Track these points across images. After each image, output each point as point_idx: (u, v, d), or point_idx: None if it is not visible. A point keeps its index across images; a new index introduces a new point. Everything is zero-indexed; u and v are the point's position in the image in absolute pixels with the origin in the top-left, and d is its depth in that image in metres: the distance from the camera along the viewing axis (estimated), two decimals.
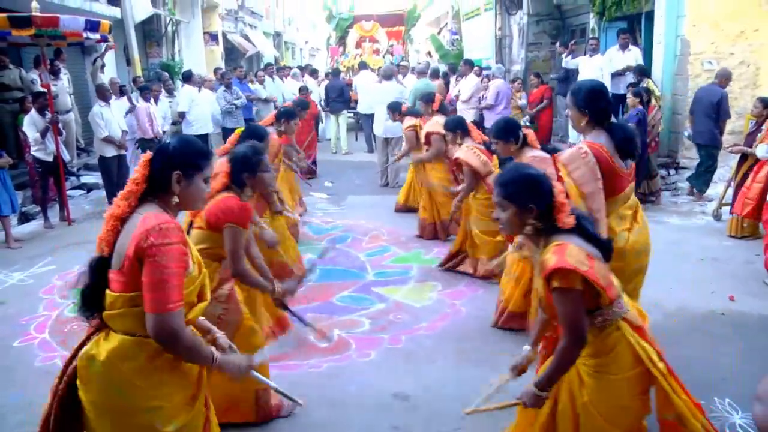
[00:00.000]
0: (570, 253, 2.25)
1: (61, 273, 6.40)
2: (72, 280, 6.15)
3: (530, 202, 2.35)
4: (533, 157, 4.36)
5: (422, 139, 7.40)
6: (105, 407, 2.13)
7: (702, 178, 8.50)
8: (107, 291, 2.12)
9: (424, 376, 4.14)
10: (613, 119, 3.44)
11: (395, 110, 8.68)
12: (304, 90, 11.78)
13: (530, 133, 4.62)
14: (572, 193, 3.15)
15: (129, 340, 2.10)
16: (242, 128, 4.54)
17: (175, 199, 2.21)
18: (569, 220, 2.36)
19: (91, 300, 2.17)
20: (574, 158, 3.29)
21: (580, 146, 3.32)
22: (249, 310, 3.60)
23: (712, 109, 8.10)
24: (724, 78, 8.23)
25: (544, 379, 2.41)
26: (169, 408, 2.14)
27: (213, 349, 2.27)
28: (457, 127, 5.88)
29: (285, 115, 6.61)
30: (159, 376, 2.12)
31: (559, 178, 3.22)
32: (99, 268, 2.17)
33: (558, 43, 12.34)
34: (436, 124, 6.97)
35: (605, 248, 2.41)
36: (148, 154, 2.24)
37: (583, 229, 2.39)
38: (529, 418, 2.67)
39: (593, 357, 2.39)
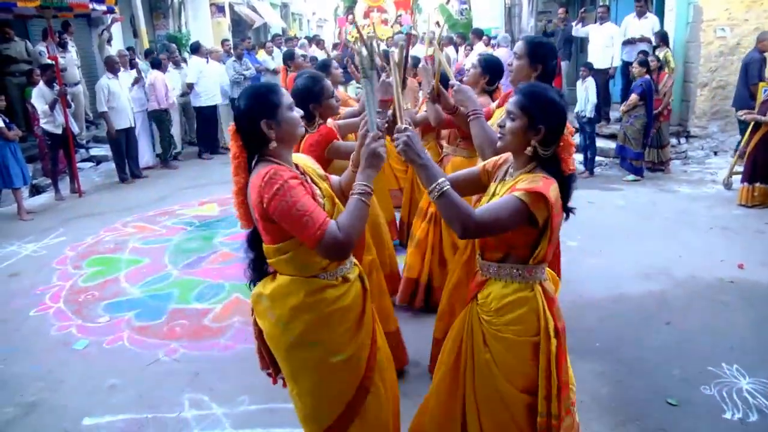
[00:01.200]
0: (553, 189, 2.16)
1: (73, 244, 6.46)
2: (83, 250, 6.23)
3: (542, 123, 2.22)
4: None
5: None
6: (276, 339, 2.29)
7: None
8: (263, 244, 2.29)
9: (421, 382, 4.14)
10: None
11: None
12: (313, 60, 11.68)
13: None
14: None
15: (288, 279, 2.25)
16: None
17: (275, 144, 2.22)
18: (570, 166, 2.27)
19: (258, 269, 2.36)
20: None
21: None
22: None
23: (744, 73, 8.02)
24: (761, 41, 8.05)
25: (439, 176, 2.16)
26: (331, 341, 2.27)
27: (360, 191, 2.18)
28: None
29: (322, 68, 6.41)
30: (319, 312, 2.24)
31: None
32: (253, 241, 2.35)
33: (544, 22, 12.22)
34: None
35: (566, 214, 2.33)
36: (232, 126, 2.25)
37: (568, 183, 2.28)
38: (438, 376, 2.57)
39: (500, 314, 2.28)
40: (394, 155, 6.34)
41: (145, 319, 4.63)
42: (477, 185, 2.53)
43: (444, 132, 4.60)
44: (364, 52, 2.29)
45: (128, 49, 11.62)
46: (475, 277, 2.47)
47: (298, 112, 2.30)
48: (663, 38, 9.06)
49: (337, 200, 2.36)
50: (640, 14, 9.73)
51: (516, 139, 2.27)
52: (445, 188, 2.12)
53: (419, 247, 4.41)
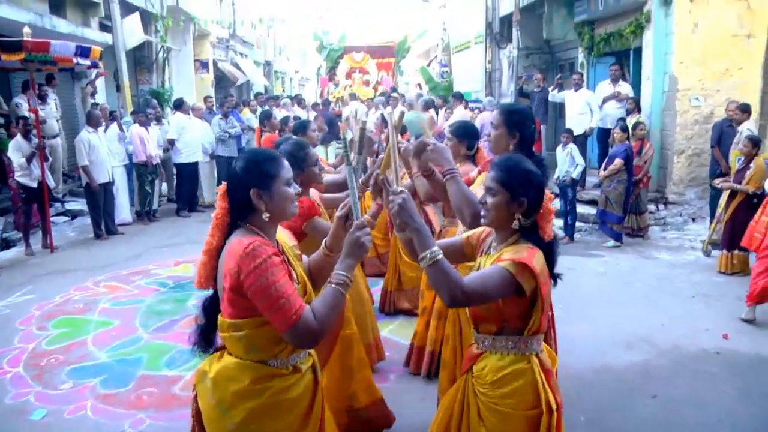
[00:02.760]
0: (538, 259, 2.19)
1: (40, 303, 6.23)
2: (49, 310, 6.00)
3: (524, 196, 2.25)
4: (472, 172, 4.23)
5: None
6: (214, 424, 2.13)
7: None
8: (219, 316, 2.15)
9: (415, 417, 4.01)
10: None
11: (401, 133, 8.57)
12: (283, 122, 11.75)
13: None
14: None
15: (235, 361, 2.11)
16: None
17: (266, 216, 2.13)
18: (550, 232, 2.30)
19: (206, 338, 2.22)
20: None
21: None
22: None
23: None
24: (729, 110, 8.37)
25: (431, 245, 2.12)
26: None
27: (338, 281, 2.10)
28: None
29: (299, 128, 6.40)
30: (263, 400, 2.09)
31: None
32: (211, 306, 2.21)
33: (523, 77, 12.59)
34: None
35: (553, 280, 2.35)
36: (223, 186, 2.17)
37: (551, 250, 2.31)
38: None
39: (496, 387, 2.25)
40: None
41: (111, 386, 4.40)
42: (459, 255, 2.53)
43: (439, 204, 4.57)
44: (349, 135, 2.26)
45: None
46: (469, 350, 2.43)
47: (294, 189, 2.21)
48: (637, 103, 9.31)
49: (309, 286, 2.25)
50: (614, 81, 9.99)
51: (500, 214, 2.29)
52: (438, 257, 2.09)
53: (424, 314, 4.39)
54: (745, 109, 8.12)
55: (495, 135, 3.09)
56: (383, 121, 2.77)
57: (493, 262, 2.23)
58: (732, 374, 4.55)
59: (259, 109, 13.01)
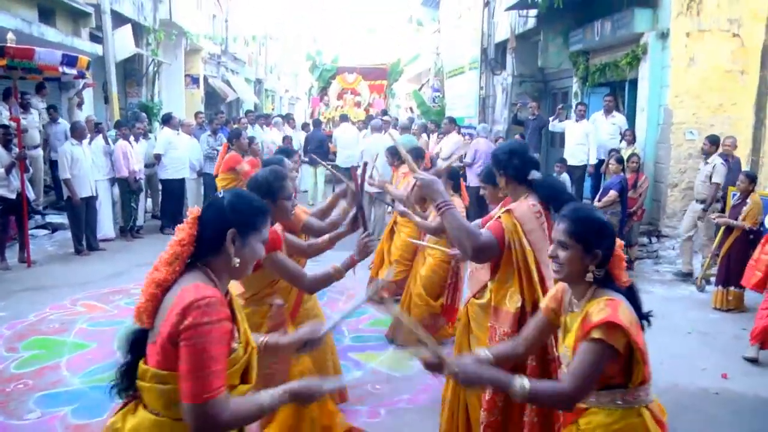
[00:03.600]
0: (623, 311, 2.09)
1: (12, 321, 5.94)
2: (21, 331, 5.73)
3: (598, 248, 2.17)
4: (532, 204, 4.13)
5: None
6: None
7: None
8: (141, 362, 1.90)
9: None
10: (536, 174, 3.06)
11: (394, 155, 8.34)
12: (288, 139, 11.63)
13: None
14: (529, 258, 2.90)
15: (151, 418, 1.87)
16: None
17: (236, 262, 1.95)
18: (626, 278, 2.22)
19: (128, 378, 1.94)
20: (528, 216, 2.92)
21: (533, 202, 2.96)
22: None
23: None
24: (725, 145, 8.22)
25: (512, 381, 2.11)
26: None
27: (271, 393, 1.94)
28: (452, 178, 5.48)
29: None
30: None
31: (499, 239, 2.91)
32: (139, 343, 1.94)
33: (518, 104, 12.59)
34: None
35: (644, 321, 2.24)
36: (197, 210, 1.99)
37: (633, 294, 2.23)
38: None
39: None
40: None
41: (84, 416, 4.14)
42: (549, 328, 2.47)
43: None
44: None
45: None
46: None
47: (262, 251, 2.07)
48: (632, 135, 9.28)
49: (252, 346, 2.04)
50: (608, 112, 9.95)
51: (574, 268, 2.21)
52: (528, 387, 2.08)
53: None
54: (714, 141, 8.13)
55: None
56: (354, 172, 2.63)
57: (579, 324, 2.15)
58: (732, 416, 4.43)
59: (249, 127, 12.85)
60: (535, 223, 2.92)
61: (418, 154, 7.80)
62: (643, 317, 2.23)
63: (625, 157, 8.64)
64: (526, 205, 2.95)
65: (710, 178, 7.90)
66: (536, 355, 2.92)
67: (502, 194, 3.26)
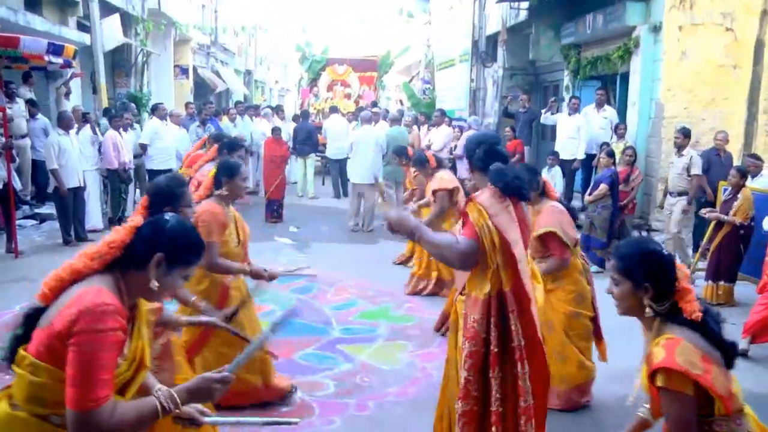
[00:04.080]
0: (681, 351, 1.99)
1: None
2: (8, 321, 5.65)
3: (647, 281, 2.12)
4: (553, 207, 4.14)
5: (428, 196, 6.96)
6: None
7: None
8: (21, 348, 1.83)
9: None
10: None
11: (401, 155, 8.38)
12: (277, 131, 11.52)
13: (548, 182, 4.36)
14: (494, 239, 2.89)
15: (10, 414, 1.81)
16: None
17: (154, 285, 1.92)
18: (694, 311, 2.07)
19: (14, 350, 1.88)
20: (490, 201, 2.94)
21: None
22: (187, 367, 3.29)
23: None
24: (717, 139, 8.30)
25: None
26: None
27: (161, 404, 1.90)
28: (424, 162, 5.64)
29: (227, 147, 6.20)
30: None
31: (464, 216, 2.99)
32: (34, 319, 1.88)
33: (509, 97, 12.57)
34: (441, 180, 6.75)
35: (728, 351, 2.13)
36: (139, 219, 1.98)
37: (706, 325, 2.09)
38: None
39: None
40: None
41: None
42: None
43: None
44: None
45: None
46: None
47: (180, 285, 2.06)
48: (624, 129, 9.26)
49: (146, 366, 2.00)
50: (599, 105, 9.93)
51: (629, 303, 2.18)
52: None
53: None
54: (687, 134, 8.10)
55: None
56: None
57: (646, 359, 2.11)
58: None
59: (238, 118, 12.75)
60: (498, 207, 2.92)
61: (400, 151, 7.86)
62: (724, 349, 2.11)
63: (617, 151, 8.62)
64: (489, 192, 2.97)
65: (688, 170, 7.89)
66: None
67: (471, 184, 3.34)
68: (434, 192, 6.74)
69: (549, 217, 4.03)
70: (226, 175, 3.91)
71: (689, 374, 1.97)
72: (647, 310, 2.13)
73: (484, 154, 3.08)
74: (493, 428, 2.86)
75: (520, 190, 2.98)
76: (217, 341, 3.89)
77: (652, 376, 2.04)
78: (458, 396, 2.92)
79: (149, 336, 2.12)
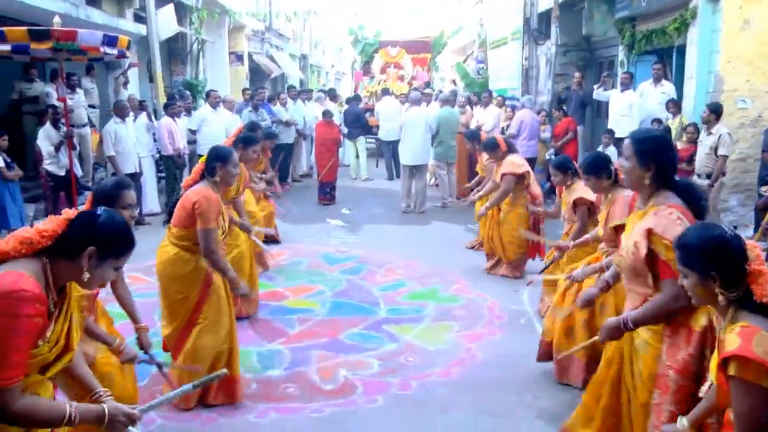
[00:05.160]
0: (759, 341, 1.87)
1: None
2: None
3: (712, 270, 2.04)
4: (627, 197, 4.03)
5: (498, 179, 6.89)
6: None
7: None
8: None
9: (435, 428, 3.82)
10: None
11: (473, 139, 8.21)
12: (328, 114, 11.62)
13: (620, 170, 4.20)
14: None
15: None
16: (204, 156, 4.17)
17: (86, 276, 2.02)
18: (765, 295, 1.96)
19: None
20: (669, 227, 2.55)
21: (671, 211, 2.62)
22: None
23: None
24: None
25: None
26: None
27: (68, 406, 1.99)
28: (568, 168, 5.19)
29: (242, 142, 6.16)
30: None
31: (655, 257, 2.62)
32: None
33: (579, 75, 12.20)
34: (511, 164, 6.70)
35: None
36: (72, 212, 2.05)
37: None
38: None
39: None
40: None
41: None
42: None
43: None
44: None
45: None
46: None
47: (111, 276, 2.17)
48: (676, 106, 8.89)
49: (71, 350, 2.07)
50: (657, 80, 9.60)
51: (701, 293, 2.12)
52: None
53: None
54: (714, 110, 7.70)
55: (627, 168, 2.76)
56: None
57: (718, 347, 2.06)
58: None
59: (289, 102, 12.89)
60: (676, 231, 2.48)
61: (473, 135, 7.77)
62: None
63: (673, 128, 8.33)
64: (664, 214, 2.63)
65: (715, 150, 7.54)
66: None
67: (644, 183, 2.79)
68: (503, 176, 6.70)
69: (623, 208, 3.81)
70: (220, 160, 3.93)
71: (766, 365, 1.85)
72: (720, 298, 2.04)
73: (671, 160, 2.77)
74: None
75: (703, 212, 2.75)
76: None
77: (723, 364, 1.94)
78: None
79: (80, 320, 2.19)
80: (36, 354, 1.94)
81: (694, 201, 2.70)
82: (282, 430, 3.76)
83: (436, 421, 3.89)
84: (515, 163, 6.70)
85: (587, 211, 4.96)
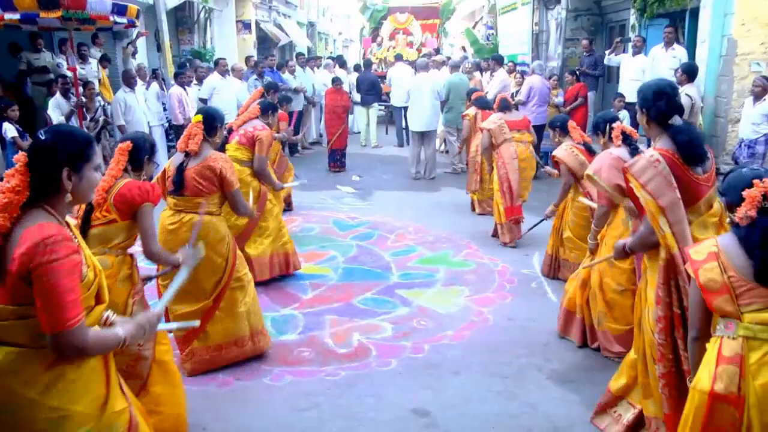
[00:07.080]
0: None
1: None
2: None
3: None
4: (613, 153, 4.04)
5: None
6: (8, 426, 1.98)
7: None
8: None
9: (447, 390, 3.91)
10: (678, 121, 3.03)
11: (485, 107, 8.26)
12: (337, 81, 11.56)
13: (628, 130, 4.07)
14: (650, 208, 2.82)
15: (15, 352, 1.95)
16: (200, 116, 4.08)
17: (69, 197, 2.06)
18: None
19: None
20: (645, 168, 2.86)
21: (651, 153, 2.89)
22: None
23: None
24: None
25: None
26: (73, 415, 2.01)
27: (117, 331, 2.10)
28: (558, 126, 5.52)
29: (273, 108, 6.18)
30: (57, 386, 1.99)
31: (630, 192, 2.95)
32: None
33: (587, 42, 12.03)
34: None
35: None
36: (23, 156, 2.01)
37: None
38: None
39: None
40: None
41: None
42: None
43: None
44: None
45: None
46: None
47: (98, 177, 2.15)
48: (688, 74, 8.64)
49: (99, 269, 2.14)
50: (668, 44, 9.47)
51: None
52: None
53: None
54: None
55: (638, 117, 3.17)
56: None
57: None
58: None
59: (298, 69, 12.83)
60: (651, 172, 2.84)
61: (506, 105, 7.38)
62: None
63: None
64: (645, 156, 2.91)
65: None
66: None
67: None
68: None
69: (600, 162, 3.91)
70: (221, 122, 4.12)
71: None
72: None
73: (666, 106, 2.98)
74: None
75: (698, 157, 2.91)
76: None
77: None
78: (656, 359, 2.93)
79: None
80: (87, 284, 2.03)
81: (688, 146, 2.88)
82: (298, 393, 3.85)
83: (448, 383, 3.97)
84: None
85: (567, 171, 5.19)
